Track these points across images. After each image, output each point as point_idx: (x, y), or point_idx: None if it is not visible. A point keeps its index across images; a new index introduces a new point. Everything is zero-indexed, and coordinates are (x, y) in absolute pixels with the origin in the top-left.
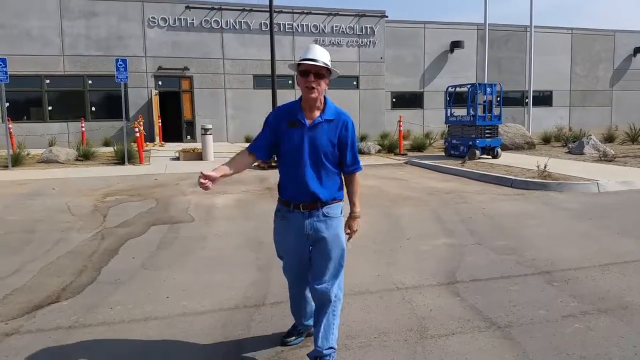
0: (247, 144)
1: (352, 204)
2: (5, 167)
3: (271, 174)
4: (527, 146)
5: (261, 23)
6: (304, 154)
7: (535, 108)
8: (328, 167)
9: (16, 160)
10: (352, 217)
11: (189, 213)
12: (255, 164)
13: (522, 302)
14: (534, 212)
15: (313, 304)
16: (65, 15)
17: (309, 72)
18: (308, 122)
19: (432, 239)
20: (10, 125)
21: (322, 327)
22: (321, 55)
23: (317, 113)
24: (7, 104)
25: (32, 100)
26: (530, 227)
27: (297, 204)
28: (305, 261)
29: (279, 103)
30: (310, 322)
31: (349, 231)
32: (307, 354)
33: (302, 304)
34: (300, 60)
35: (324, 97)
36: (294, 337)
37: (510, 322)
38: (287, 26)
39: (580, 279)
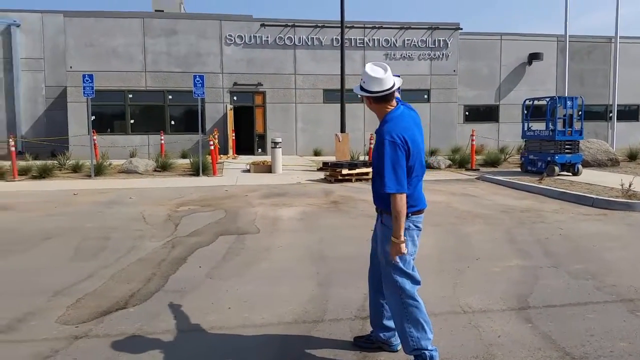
0: (316, 157)
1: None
2: (89, 176)
3: (337, 187)
4: (610, 163)
5: (333, 39)
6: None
7: (619, 123)
8: (378, 176)
9: (98, 170)
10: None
11: (255, 224)
12: (322, 176)
13: (601, 332)
14: (617, 234)
15: (381, 313)
16: (147, 33)
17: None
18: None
19: (503, 260)
20: (94, 137)
21: (399, 331)
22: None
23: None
24: (93, 117)
25: (116, 113)
26: (612, 249)
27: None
28: (376, 264)
29: (348, 117)
30: (383, 335)
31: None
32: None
33: (373, 310)
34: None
35: (387, 110)
36: (363, 340)
37: (586, 353)
38: (358, 41)
39: None
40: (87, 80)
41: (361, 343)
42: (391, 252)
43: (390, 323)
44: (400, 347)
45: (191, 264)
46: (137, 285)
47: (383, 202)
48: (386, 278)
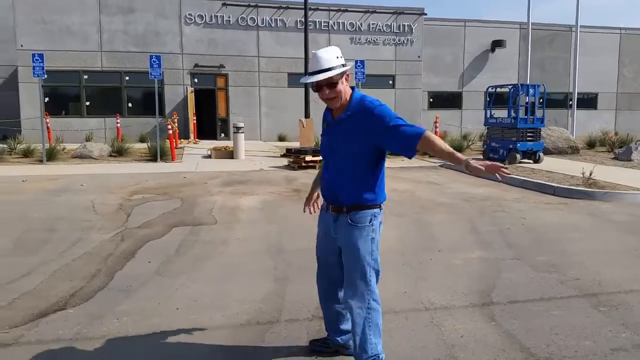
0: (280, 143)
1: (447, 158)
2: (40, 161)
3: (300, 175)
4: (570, 151)
5: (297, 21)
6: (330, 154)
7: (579, 111)
8: (355, 168)
9: (51, 155)
10: (468, 166)
11: (213, 215)
12: (286, 163)
13: (565, 330)
14: (579, 224)
15: (345, 318)
16: (103, 10)
17: (321, 86)
18: (334, 119)
19: (466, 252)
20: (47, 120)
21: (357, 339)
22: (327, 61)
23: (342, 111)
24: (47, 99)
25: (71, 95)
26: (574, 241)
27: (329, 204)
28: (333, 264)
29: (312, 102)
30: (340, 339)
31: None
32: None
33: (328, 315)
34: (307, 78)
35: (352, 89)
36: (320, 344)
37: (550, 353)
38: (323, 24)
39: (631, 304)
40: (37, 60)
41: (318, 347)
42: (485, 165)
43: (347, 326)
44: None
45: (140, 259)
46: (80, 283)
47: (350, 195)
48: (354, 282)
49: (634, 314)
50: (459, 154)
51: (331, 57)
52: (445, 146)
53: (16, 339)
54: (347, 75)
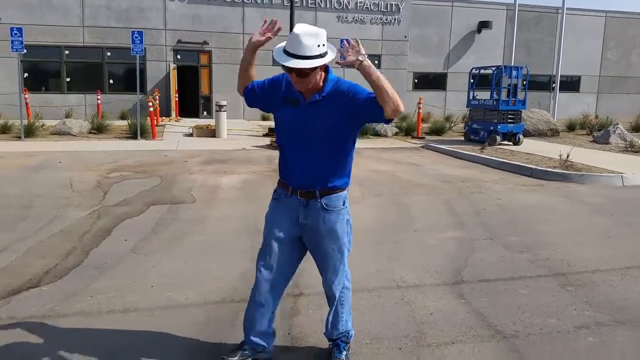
0: (263, 122)
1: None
2: (18, 137)
3: None
4: (550, 133)
5: None
6: (301, 135)
7: (561, 94)
8: (331, 151)
9: (29, 132)
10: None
11: (192, 193)
12: (268, 142)
13: (532, 308)
14: (553, 205)
15: (270, 316)
16: None
17: (291, 71)
18: (306, 100)
19: (441, 232)
20: (26, 96)
21: (330, 317)
22: (311, 48)
23: (316, 91)
24: (26, 74)
25: (51, 71)
26: (547, 222)
27: (295, 189)
28: (293, 255)
29: None
30: (259, 340)
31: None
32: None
33: (262, 315)
34: (286, 59)
35: (326, 71)
36: (237, 358)
37: (516, 331)
38: (309, 1)
39: (597, 283)
40: (15, 34)
41: None
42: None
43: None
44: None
45: (116, 237)
46: (55, 261)
47: (327, 178)
48: (334, 265)
49: (598, 292)
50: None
51: (314, 44)
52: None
53: None
54: (324, 65)
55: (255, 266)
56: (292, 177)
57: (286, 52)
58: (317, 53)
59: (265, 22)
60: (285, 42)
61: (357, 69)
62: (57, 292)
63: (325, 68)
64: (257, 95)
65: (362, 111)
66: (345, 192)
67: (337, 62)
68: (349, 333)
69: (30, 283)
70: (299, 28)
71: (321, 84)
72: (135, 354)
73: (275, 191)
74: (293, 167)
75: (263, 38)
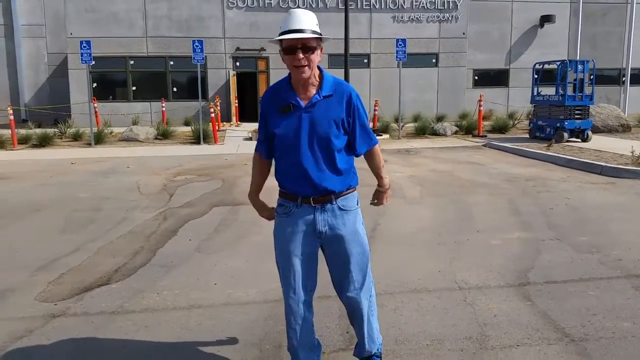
0: None
1: (378, 177)
2: (89, 144)
3: None
4: (621, 129)
5: (338, 1)
6: (305, 140)
7: (632, 87)
8: (336, 153)
9: (99, 139)
10: (380, 191)
11: None
12: None
13: (603, 311)
14: (625, 204)
15: (312, 330)
16: None
17: (296, 48)
18: (303, 102)
19: (505, 233)
20: (95, 105)
21: (365, 331)
22: (307, 22)
23: (313, 90)
24: (95, 84)
25: (117, 80)
26: (619, 221)
27: (307, 197)
28: (314, 267)
29: (353, 82)
30: (313, 358)
31: (376, 201)
32: (354, 354)
33: (305, 332)
34: (281, 34)
35: (319, 70)
36: None
37: (586, 334)
38: (364, 3)
39: None
40: (84, 47)
41: None
42: (387, 202)
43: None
44: None
45: (181, 237)
46: (123, 260)
47: (340, 179)
48: (361, 271)
49: None
50: (385, 179)
51: (313, 20)
52: (383, 165)
53: (63, 311)
54: (322, 48)
55: (282, 290)
56: (301, 185)
57: (286, 33)
58: (317, 30)
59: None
60: (280, 31)
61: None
62: (126, 289)
63: (319, 67)
64: (269, 141)
65: (354, 136)
66: (355, 191)
67: (370, 203)
68: (380, 342)
69: (101, 281)
70: (293, 9)
71: (317, 77)
72: (199, 348)
73: (280, 205)
74: (300, 174)
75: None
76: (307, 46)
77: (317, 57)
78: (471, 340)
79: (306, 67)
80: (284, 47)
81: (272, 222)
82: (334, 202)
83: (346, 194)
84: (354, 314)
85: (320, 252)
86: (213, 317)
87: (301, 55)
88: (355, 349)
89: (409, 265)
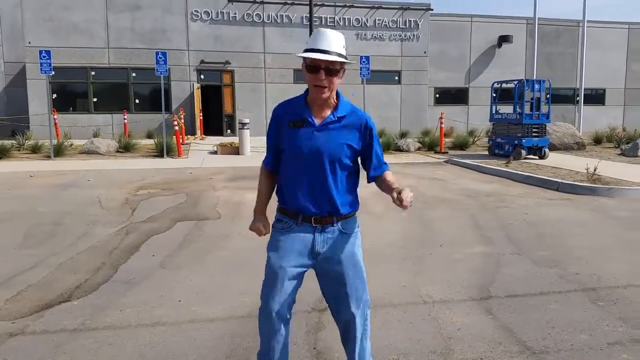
0: None
1: (392, 189)
2: (48, 157)
3: None
4: (576, 147)
5: (303, 17)
6: (312, 160)
7: (586, 107)
8: (343, 175)
9: (58, 151)
10: (399, 190)
11: (217, 209)
12: None
13: (562, 324)
14: (581, 220)
15: (287, 348)
16: (110, 8)
17: (319, 68)
18: (317, 121)
19: (466, 247)
20: (55, 116)
21: (356, 353)
22: (336, 45)
23: (329, 111)
24: (54, 95)
25: (78, 92)
26: (576, 236)
27: (308, 216)
28: (298, 286)
29: None
30: None
31: (400, 199)
32: None
33: (281, 350)
34: (308, 51)
35: (337, 93)
36: None
37: (546, 347)
38: (328, 19)
39: (629, 299)
40: (44, 57)
41: None
42: (411, 196)
43: None
44: None
45: (144, 253)
46: (85, 276)
47: (345, 202)
48: (357, 293)
49: (632, 308)
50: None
51: (341, 42)
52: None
53: (22, 329)
54: (344, 70)
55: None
56: (303, 203)
57: (312, 51)
58: (344, 52)
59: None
60: (306, 47)
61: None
62: (88, 306)
63: (337, 91)
64: (277, 153)
65: (366, 155)
66: (355, 215)
67: (395, 202)
68: None
69: (62, 297)
70: (322, 29)
71: (335, 98)
72: None
73: (279, 220)
74: (303, 193)
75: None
76: (331, 69)
77: (338, 80)
78: (436, 354)
79: (326, 89)
80: (307, 65)
81: (245, 238)
82: (335, 224)
83: (348, 218)
84: (347, 335)
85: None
86: (178, 334)
87: (323, 76)
88: None
89: (375, 280)
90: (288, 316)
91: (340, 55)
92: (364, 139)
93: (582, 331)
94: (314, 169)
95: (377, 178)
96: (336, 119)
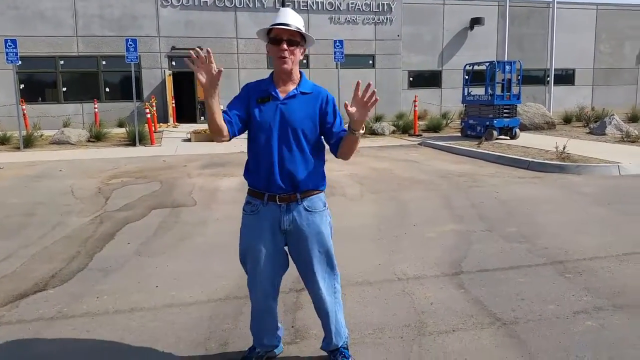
0: None
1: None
2: (17, 148)
3: None
4: (547, 126)
5: (275, 1)
6: (277, 132)
7: (556, 87)
8: (307, 149)
9: (28, 142)
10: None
11: (192, 196)
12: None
13: (531, 296)
14: (550, 197)
15: (275, 317)
16: None
17: (281, 40)
18: (282, 95)
19: (439, 226)
20: (23, 107)
21: (332, 326)
22: (294, 20)
23: (292, 86)
24: (22, 86)
25: (47, 81)
26: (544, 212)
27: (272, 194)
28: (280, 264)
29: None
30: (274, 341)
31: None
32: (322, 347)
33: (269, 320)
34: (271, 26)
35: (300, 73)
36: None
37: (516, 317)
38: (302, 4)
39: (595, 270)
40: (9, 46)
41: None
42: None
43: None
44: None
45: (119, 241)
46: (60, 265)
47: (308, 178)
48: (323, 270)
49: (596, 279)
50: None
51: (300, 21)
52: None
53: None
54: (304, 49)
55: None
56: (268, 181)
57: (277, 24)
58: (303, 30)
59: (192, 59)
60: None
61: (352, 131)
62: (64, 294)
63: (300, 72)
64: (241, 117)
65: (324, 128)
66: (323, 193)
67: (345, 107)
68: (347, 338)
69: (37, 287)
70: (284, 8)
71: (298, 74)
72: (143, 350)
73: (248, 203)
74: (268, 169)
75: (204, 78)
76: (292, 39)
77: (299, 53)
78: (410, 327)
79: (288, 59)
80: (271, 38)
81: (221, 224)
82: (300, 202)
83: (312, 195)
84: (320, 310)
85: None
86: (156, 319)
87: (285, 47)
88: (323, 342)
89: (352, 260)
90: (273, 292)
91: (299, 29)
92: (326, 111)
93: (550, 302)
94: (279, 141)
95: (339, 144)
96: (299, 92)
